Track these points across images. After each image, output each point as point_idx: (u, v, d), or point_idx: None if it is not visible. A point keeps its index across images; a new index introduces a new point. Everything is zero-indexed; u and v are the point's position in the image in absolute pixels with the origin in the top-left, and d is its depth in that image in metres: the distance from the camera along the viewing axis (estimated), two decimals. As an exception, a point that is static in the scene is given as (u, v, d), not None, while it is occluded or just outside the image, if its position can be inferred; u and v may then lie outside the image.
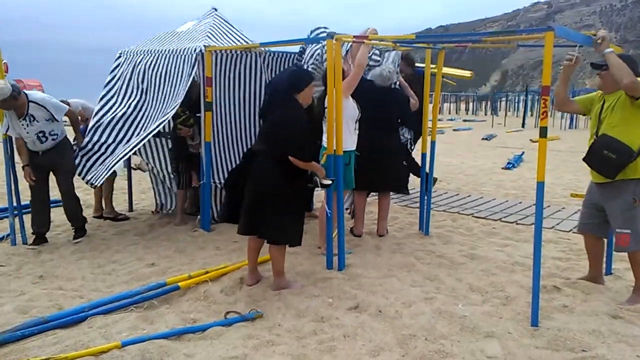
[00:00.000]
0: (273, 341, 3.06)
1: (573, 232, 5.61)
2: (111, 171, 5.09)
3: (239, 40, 5.70)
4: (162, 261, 4.56)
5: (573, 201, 7.26)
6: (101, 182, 5.05)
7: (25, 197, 5.32)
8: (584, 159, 3.68)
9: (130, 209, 6.51)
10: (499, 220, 6.14)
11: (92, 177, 5.07)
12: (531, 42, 4.62)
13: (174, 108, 5.09)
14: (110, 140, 5.28)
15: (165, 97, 5.35)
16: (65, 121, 5.28)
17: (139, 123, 5.36)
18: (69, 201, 5.17)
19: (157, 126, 5.03)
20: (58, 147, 5.03)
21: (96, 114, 5.43)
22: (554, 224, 5.92)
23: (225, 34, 5.74)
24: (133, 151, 5.18)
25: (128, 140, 5.20)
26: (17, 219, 5.06)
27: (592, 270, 4.00)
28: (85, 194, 6.84)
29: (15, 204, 5.03)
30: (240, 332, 3.16)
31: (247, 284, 3.90)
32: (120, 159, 5.03)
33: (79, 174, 5.17)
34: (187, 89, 5.10)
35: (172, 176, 6.10)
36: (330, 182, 3.91)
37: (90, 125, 5.36)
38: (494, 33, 4.09)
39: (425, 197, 5.40)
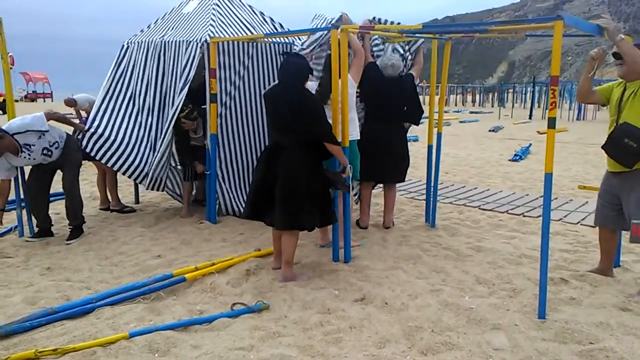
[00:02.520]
0: (279, 332, 3.07)
1: (581, 225, 5.58)
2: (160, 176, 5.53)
3: (243, 24, 5.67)
4: (169, 253, 4.58)
5: (581, 193, 7.22)
6: (152, 186, 5.53)
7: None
8: (603, 147, 3.63)
9: (137, 201, 6.53)
10: (506, 213, 6.11)
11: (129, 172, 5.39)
12: (540, 32, 4.56)
13: (180, 102, 5.14)
14: (122, 127, 5.44)
15: (171, 89, 5.36)
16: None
17: (151, 114, 5.49)
18: (70, 198, 5.06)
19: (170, 121, 5.22)
20: (64, 149, 4.98)
21: (101, 104, 5.48)
22: (562, 216, 5.88)
23: (230, 15, 5.70)
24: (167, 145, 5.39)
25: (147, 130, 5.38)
26: (24, 211, 5.09)
27: (602, 263, 3.97)
28: (91, 186, 6.87)
29: (22, 196, 5.05)
30: (247, 324, 3.17)
31: (273, 267, 4.03)
32: (161, 162, 5.38)
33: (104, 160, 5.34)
34: (190, 79, 5.11)
35: (178, 169, 6.11)
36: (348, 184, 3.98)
37: (94, 112, 5.42)
38: (502, 22, 4.02)
39: (432, 189, 5.38)
